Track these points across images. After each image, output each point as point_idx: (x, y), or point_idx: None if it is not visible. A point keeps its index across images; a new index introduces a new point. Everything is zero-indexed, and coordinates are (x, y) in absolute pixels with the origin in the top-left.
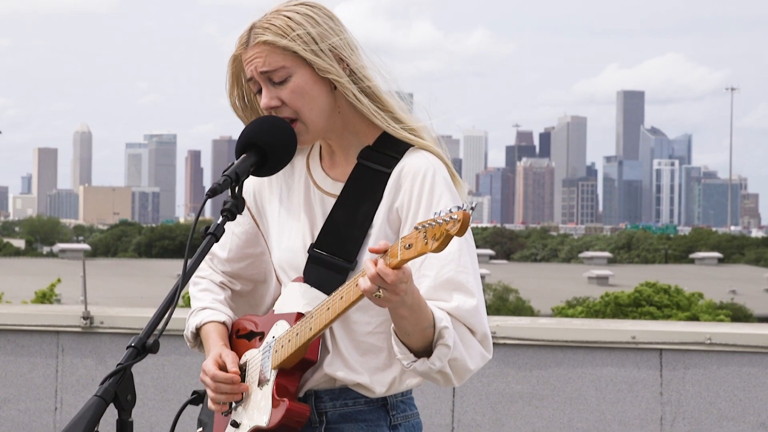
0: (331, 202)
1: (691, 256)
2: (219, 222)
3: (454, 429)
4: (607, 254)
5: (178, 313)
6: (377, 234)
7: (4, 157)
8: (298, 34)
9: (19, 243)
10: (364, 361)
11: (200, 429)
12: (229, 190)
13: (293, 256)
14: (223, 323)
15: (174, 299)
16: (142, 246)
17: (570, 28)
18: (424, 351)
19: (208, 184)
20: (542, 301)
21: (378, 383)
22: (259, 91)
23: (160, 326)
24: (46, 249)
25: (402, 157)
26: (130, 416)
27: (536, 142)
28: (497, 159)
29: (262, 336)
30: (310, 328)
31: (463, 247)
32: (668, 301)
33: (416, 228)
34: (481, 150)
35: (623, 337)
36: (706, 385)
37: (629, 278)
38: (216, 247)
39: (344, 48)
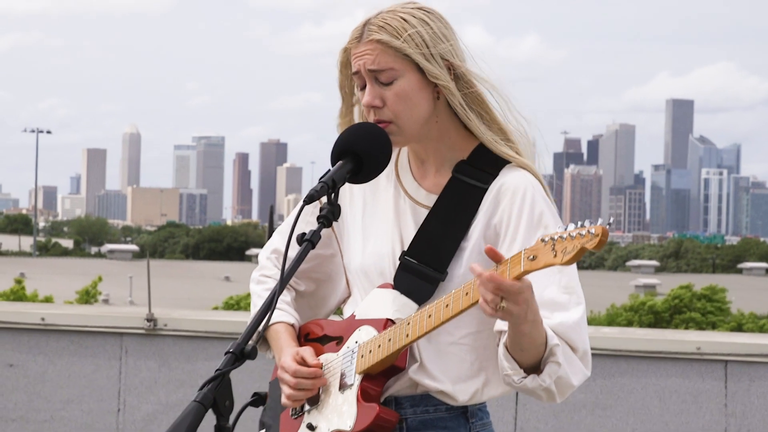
0: (423, 212)
1: (739, 266)
2: (316, 229)
3: None
4: (654, 263)
5: (231, 316)
6: (472, 248)
7: (53, 157)
8: (411, 37)
9: (68, 243)
10: (447, 370)
11: (262, 431)
12: (325, 197)
13: (379, 261)
14: (292, 325)
15: (272, 305)
16: (189, 248)
17: (622, 35)
18: (532, 367)
19: (255, 186)
20: (589, 308)
21: (461, 392)
22: (362, 87)
23: (257, 333)
24: (93, 249)
25: (498, 173)
26: (228, 422)
27: (584, 149)
28: (544, 165)
29: (340, 340)
30: (407, 335)
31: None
32: (711, 307)
33: (542, 240)
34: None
35: (688, 348)
36: None
37: (679, 285)
38: (282, 246)
39: (454, 55)
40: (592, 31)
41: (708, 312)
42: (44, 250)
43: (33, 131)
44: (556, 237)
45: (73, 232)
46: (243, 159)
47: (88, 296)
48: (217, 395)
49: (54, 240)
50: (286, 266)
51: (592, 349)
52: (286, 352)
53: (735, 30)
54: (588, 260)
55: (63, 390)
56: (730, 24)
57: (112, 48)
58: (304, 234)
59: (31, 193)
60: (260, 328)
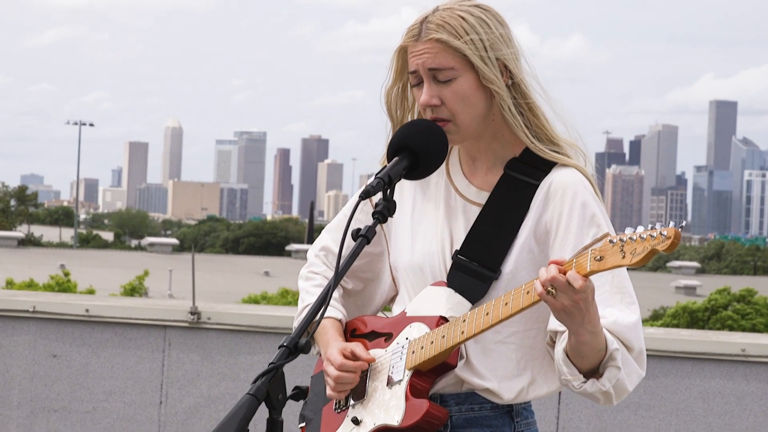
0: (474, 210)
1: None
2: (371, 225)
3: None
4: (695, 264)
5: (272, 310)
6: (522, 246)
7: (95, 149)
8: (471, 38)
9: (108, 235)
10: (493, 368)
11: (302, 425)
12: (381, 193)
13: (429, 259)
14: (340, 321)
15: (326, 300)
16: (229, 242)
17: (667, 37)
18: (591, 371)
19: (296, 182)
20: None
21: (506, 390)
22: (418, 85)
23: (311, 328)
24: (134, 242)
25: (550, 171)
26: (281, 415)
27: (626, 149)
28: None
29: (389, 337)
30: (462, 332)
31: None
32: (750, 309)
33: (610, 241)
34: None
35: (733, 350)
36: None
37: (716, 288)
38: (332, 243)
39: (510, 59)
40: (637, 31)
41: (747, 314)
42: (85, 242)
43: (76, 124)
44: (625, 238)
45: (113, 224)
46: (284, 155)
47: (133, 292)
48: (270, 389)
49: (95, 232)
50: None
51: None
52: (332, 345)
53: None
54: None
55: (106, 381)
56: None
57: (158, 43)
58: (359, 229)
59: (73, 185)
60: (315, 320)
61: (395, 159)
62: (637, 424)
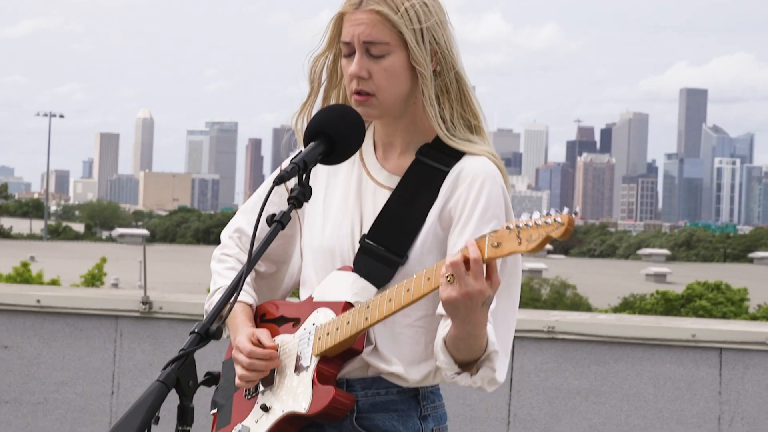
0: (384, 194)
1: (751, 255)
2: (286, 210)
3: (510, 423)
4: (665, 252)
5: (186, 297)
6: (428, 231)
7: (67, 141)
8: (410, 17)
9: (79, 227)
10: (400, 353)
11: (214, 411)
12: (297, 178)
13: (339, 242)
14: (250, 306)
15: (238, 287)
16: (201, 232)
17: (640, 25)
18: (467, 364)
19: (268, 172)
20: (600, 297)
21: (413, 374)
22: (349, 56)
23: (223, 313)
24: (105, 233)
25: (461, 158)
26: (192, 402)
27: (597, 137)
28: (558, 154)
29: (296, 322)
30: (366, 318)
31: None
32: (722, 298)
33: (507, 227)
34: (542, 144)
35: (683, 335)
36: (766, 385)
37: (687, 276)
38: (246, 225)
39: (443, 47)
40: (610, 20)
41: (719, 303)
42: (55, 233)
43: (46, 115)
44: (521, 225)
45: (84, 216)
46: (256, 145)
47: (93, 279)
48: (180, 375)
49: (65, 224)
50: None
51: (588, 335)
52: (241, 331)
53: (756, 20)
54: (599, 249)
55: (57, 372)
56: (750, 14)
57: (132, 34)
58: (274, 215)
59: (44, 177)
60: (226, 308)
61: (311, 144)
62: (588, 410)
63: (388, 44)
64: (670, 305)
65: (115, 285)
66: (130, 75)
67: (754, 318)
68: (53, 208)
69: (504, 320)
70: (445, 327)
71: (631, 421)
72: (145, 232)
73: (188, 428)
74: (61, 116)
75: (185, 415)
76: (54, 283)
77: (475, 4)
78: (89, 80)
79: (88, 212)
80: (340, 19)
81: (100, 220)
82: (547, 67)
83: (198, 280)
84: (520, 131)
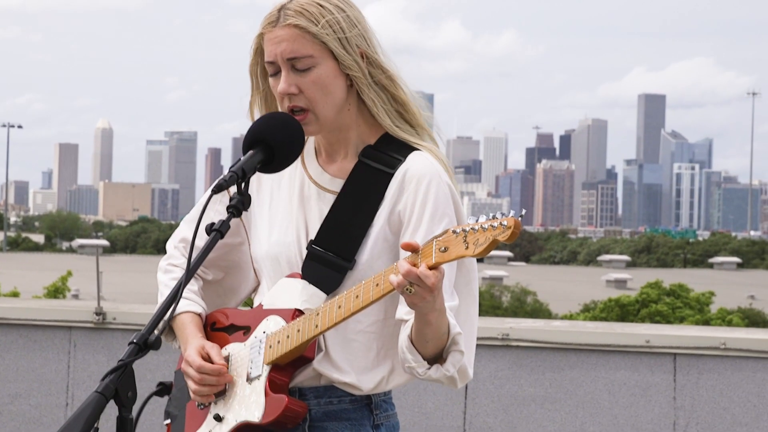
0: (328, 198)
1: (710, 260)
2: (225, 219)
3: (465, 431)
4: (625, 258)
5: (140, 308)
6: (377, 235)
7: (25, 151)
8: (329, 25)
9: (39, 238)
10: (353, 360)
11: (168, 421)
12: (235, 187)
13: (285, 250)
14: (199, 315)
15: (177, 296)
16: (161, 242)
17: (600, 31)
18: (434, 357)
19: None
20: (560, 303)
21: (365, 382)
22: (275, 75)
23: (161, 323)
24: (65, 244)
25: (405, 159)
26: (131, 413)
27: (556, 144)
28: (517, 161)
29: (247, 330)
30: (316, 326)
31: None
32: (680, 303)
33: (453, 231)
34: (501, 151)
35: (637, 341)
36: (720, 390)
37: (647, 282)
38: (190, 235)
39: (368, 44)
40: (570, 27)
41: (677, 307)
42: (15, 245)
43: (4, 126)
44: (468, 228)
45: (44, 227)
46: (215, 154)
47: (57, 292)
48: (119, 386)
49: (24, 235)
50: (194, 256)
51: (542, 342)
52: (191, 344)
53: (714, 25)
54: (560, 255)
55: (11, 384)
56: (709, 19)
57: (91, 44)
58: (213, 224)
59: (3, 188)
60: (165, 318)
61: (250, 152)
62: (543, 417)
63: (312, 56)
64: (625, 311)
65: (75, 296)
66: (88, 85)
67: (706, 322)
68: (13, 219)
69: (467, 316)
70: (406, 328)
71: (587, 428)
72: (104, 242)
73: None
74: (20, 126)
75: (124, 426)
76: (14, 295)
77: (435, 11)
78: (48, 90)
79: (47, 223)
80: (260, 39)
81: (60, 231)
82: (506, 74)
83: (158, 291)
84: (479, 138)
